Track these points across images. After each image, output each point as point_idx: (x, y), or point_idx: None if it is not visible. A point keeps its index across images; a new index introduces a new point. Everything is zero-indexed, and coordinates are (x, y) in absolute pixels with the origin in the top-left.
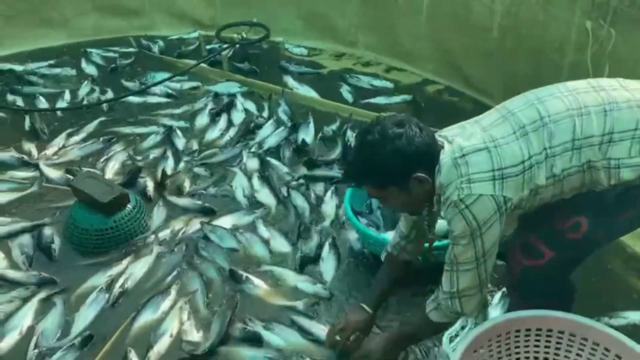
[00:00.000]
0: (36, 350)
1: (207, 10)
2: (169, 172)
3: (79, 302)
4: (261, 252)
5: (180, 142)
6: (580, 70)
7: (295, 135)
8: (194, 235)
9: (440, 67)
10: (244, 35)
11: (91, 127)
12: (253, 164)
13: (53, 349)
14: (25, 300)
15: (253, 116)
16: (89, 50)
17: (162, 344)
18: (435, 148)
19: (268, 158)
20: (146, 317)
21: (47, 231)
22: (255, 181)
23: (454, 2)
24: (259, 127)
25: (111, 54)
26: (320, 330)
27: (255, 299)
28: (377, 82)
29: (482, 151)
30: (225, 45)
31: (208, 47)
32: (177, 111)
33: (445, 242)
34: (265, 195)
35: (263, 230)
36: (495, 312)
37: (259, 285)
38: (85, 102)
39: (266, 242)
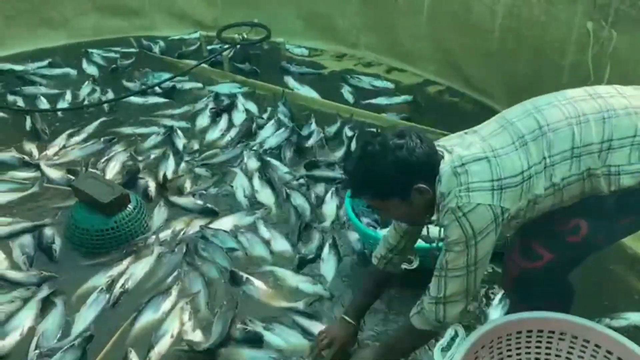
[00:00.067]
0: (37, 351)
1: (208, 11)
2: (169, 173)
3: (79, 303)
4: (262, 252)
5: (180, 142)
6: (581, 71)
7: (296, 136)
8: (195, 235)
9: (441, 67)
10: (245, 36)
11: (92, 127)
12: (254, 164)
13: (54, 350)
14: (26, 300)
15: (254, 117)
16: (89, 50)
17: (163, 345)
18: (436, 158)
19: (268, 158)
20: (147, 318)
21: (48, 231)
22: (256, 181)
23: (454, 2)
24: (261, 127)
25: (112, 54)
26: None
27: (256, 300)
28: (378, 83)
29: (482, 160)
30: (226, 46)
31: (209, 47)
32: (178, 111)
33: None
34: (265, 196)
35: (264, 231)
36: (496, 313)
37: (259, 286)
38: (86, 102)
39: (267, 243)
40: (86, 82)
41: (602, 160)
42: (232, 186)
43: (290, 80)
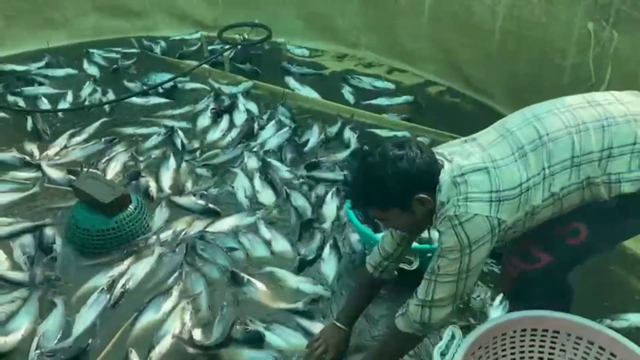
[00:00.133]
0: (38, 351)
1: (209, 11)
2: (170, 172)
3: (80, 303)
4: (263, 253)
5: (181, 142)
6: (582, 72)
7: (296, 137)
8: (196, 236)
9: (441, 68)
10: (246, 36)
11: (93, 127)
12: (254, 164)
13: (54, 350)
14: (27, 300)
15: (255, 117)
16: (90, 50)
17: (163, 345)
18: (436, 167)
19: (269, 159)
20: (148, 318)
21: (49, 232)
22: (257, 182)
23: (455, 3)
24: (262, 128)
25: (113, 55)
26: None
27: (257, 300)
28: (379, 83)
29: (481, 171)
30: (227, 46)
31: (210, 47)
32: (179, 112)
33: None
34: (266, 196)
35: (265, 231)
36: (496, 314)
37: (260, 287)
38: (87, 102)
39: (268, 243)
40: (87, 83)
41: (602, 169)
42: (232, 186)
43: (291, 81)
